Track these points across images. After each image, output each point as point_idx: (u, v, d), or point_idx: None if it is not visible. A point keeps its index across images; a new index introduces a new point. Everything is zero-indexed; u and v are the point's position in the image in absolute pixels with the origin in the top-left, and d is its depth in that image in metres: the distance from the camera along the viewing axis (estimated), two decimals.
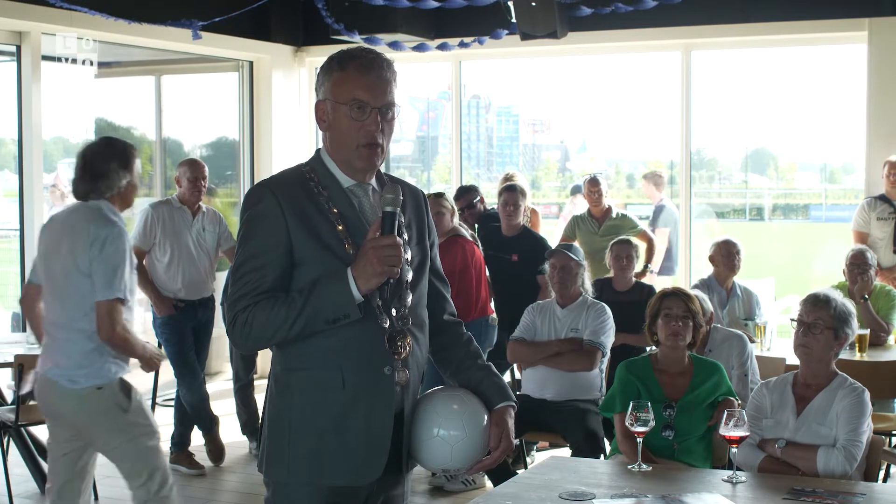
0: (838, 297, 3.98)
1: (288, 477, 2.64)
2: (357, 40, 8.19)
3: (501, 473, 4.95)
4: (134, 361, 4.18)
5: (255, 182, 9.40)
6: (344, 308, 2.53)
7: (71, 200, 4.22)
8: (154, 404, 7.27)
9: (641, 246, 7.97)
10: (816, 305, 3.90)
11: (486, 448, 2.69)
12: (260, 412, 7.15)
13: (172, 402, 6.75)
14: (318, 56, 9.65)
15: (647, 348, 6.37)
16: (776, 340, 6.25)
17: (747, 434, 3.54)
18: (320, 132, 2.74)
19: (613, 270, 6.58)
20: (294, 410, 2.62)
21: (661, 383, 4.27)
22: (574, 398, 5.48)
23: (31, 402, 6.31)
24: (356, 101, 2.60)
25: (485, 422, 2.68)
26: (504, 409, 2.73)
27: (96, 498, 5.89)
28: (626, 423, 3.72)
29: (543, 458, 4.71)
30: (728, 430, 3.51)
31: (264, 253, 2.58)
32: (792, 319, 4.33)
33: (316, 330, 2.55)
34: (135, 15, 7.50)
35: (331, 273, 2.55)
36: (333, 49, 2.84)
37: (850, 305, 3.99)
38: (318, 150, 2.74)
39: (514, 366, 6.70)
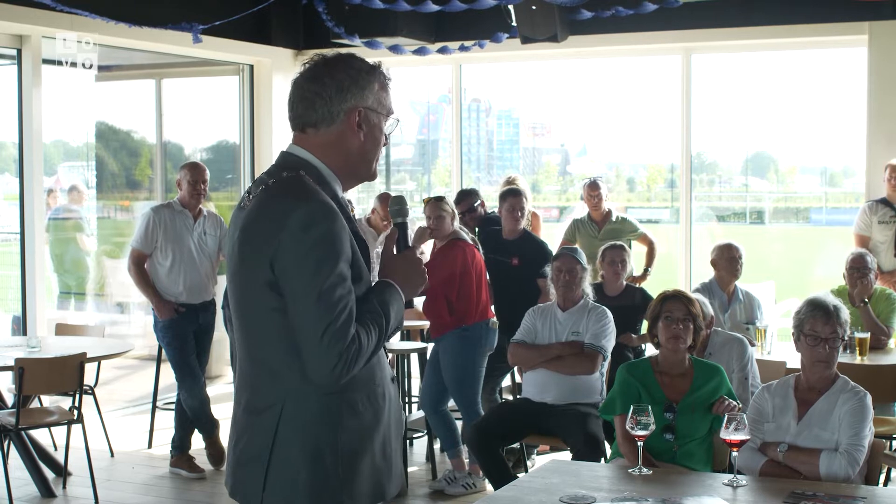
0: (837, 300, 3.98)
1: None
2: (357, 44, 8.19)
3: (502, 477, 4.94)
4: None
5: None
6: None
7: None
8: (154, 408, 7.29)
9: (642, 249, 7.99)
10: (830, 319, 3.87)
11: None
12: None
13: (173, 406, 6.74)
14: None
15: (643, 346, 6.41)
16: (776, 344, 6.25)
17: (748, 438, 3.54)
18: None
19: (606, 275, 6.59)
20: (339, 434, 2.42)
21: (661, 386, 4.27)
22: (575, 401, 5.47)
23: (32, 406, 6.32)
24: (393, 114, 2.54)
25: None
26: None
27: (96, 500, 5.88)
28: (627, 427, 3.71)
29: (544, 461, 4.70)
30: (729, 434, 3.50)
31: (347, 273, 2.37)
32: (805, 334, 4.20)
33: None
34: (135, 18, 7.49)
35: (383, 289, 2.47)
36: (334, 52, 2.80)
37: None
38: (299, 157, 2.46)
39: (515, 369, 6.70)
